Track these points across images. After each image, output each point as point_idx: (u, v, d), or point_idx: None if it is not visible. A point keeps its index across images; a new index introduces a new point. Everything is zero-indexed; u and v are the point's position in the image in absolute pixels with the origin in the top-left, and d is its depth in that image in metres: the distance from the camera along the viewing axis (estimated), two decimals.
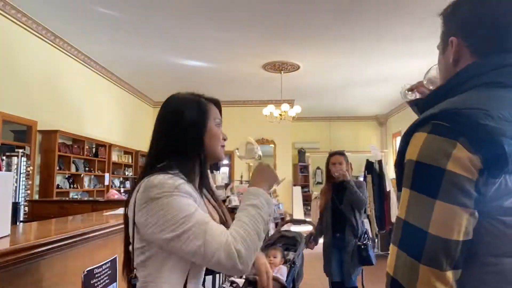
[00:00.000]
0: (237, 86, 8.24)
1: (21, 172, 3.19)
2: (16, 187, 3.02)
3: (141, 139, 9.19)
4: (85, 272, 1.24)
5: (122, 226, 1.49)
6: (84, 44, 5.93)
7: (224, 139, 1.11)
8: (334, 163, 3.04)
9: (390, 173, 7.85)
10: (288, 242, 3.33)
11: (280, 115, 7.27)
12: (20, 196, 3.30)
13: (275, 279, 2.69)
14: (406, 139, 0.70)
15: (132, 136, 8.53)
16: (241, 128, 9.47)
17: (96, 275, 1.30)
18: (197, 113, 1.04)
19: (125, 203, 1.02)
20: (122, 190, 7.32)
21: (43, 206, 3.84)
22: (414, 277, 0.62)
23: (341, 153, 3.06)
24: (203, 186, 1.09)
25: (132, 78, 7.85)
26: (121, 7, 4.68)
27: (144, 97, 9.32)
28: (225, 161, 9.67)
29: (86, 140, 6.37)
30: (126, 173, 8.11)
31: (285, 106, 7.13)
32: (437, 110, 0.67)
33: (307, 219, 5.04)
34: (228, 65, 6.84)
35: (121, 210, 1.85)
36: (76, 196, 5.89)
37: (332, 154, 3.13)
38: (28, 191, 4.24)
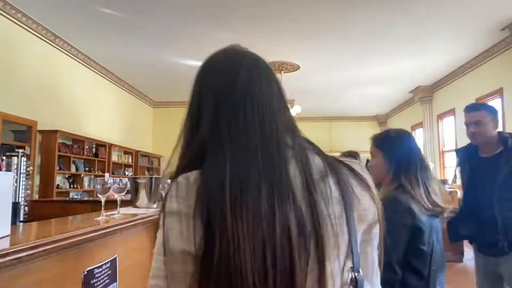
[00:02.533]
0: None
1: (21, 172, 3.19)
2: (16, 187, 3.02)
3: (141, 139, 9.19)
4: (85, 272, 1.24)
5: (122, 226, 1.49)
6: (84, 44, 5.93)
7: None
8: None
9: None
10: None
11: None
12: (20, 196, 3.29)
13: None
14: None
15: (132, 136, 8.53)
16: None
17: (96, 275, 1.30)
18: None
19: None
20: None
21: (43, 206, 3.85)
22: None
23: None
24: None
25: (132, 78, 7.85)
26: (121, 7, 4.68)
27: (144, 97, 9.32)
28: None
29: (86, 140, 6.38)
30: (126, 173, 8.11)
31: None
32: None
33: None
34: None
35: (122, 210, 1.84)
36: (76, 196, 5.90)
37: None
38: (28, 191, 4.23)
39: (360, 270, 0.58)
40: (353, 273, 0.57)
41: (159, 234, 0.56)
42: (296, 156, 0.60)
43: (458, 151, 2.41)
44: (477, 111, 2.14)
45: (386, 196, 1.48)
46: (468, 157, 2.26)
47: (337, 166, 0.63)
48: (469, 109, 2.20)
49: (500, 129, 2.15)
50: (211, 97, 0.65)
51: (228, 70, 0.67)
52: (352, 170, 0.64)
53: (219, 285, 0.50)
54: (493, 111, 2.13)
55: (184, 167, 0.61)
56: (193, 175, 0.58)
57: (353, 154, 2.97)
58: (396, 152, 1.54)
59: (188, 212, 0.54)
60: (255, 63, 0.69)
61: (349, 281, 0.57)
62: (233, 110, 0.62)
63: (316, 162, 0.62)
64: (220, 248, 0.50)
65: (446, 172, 7.99)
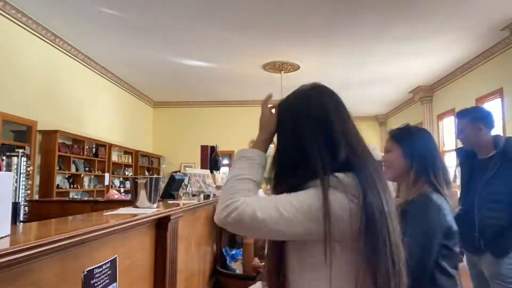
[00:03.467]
0: (237, 86, 8.24)
1: (21, 172, 3.18)
2: (16, 187, 3.01)
3: (141, 139, 9.19)
4: (85, 272, 1.24)
5: (122, 226, 1.48)
6: (84, 44, 5.93)
7: None
8: None
9: None
10: None
11: None
12: (20, 196, 3.29)
13: None
14: None
15: (132, 136, 8.53)
16: (241, 128, 9.48)
17: (96, 275, 1.30)
18: None
19: None
20: (122, 190, 7.32)
21: (43, 206, 3.83)
22: None
23: None
24: None
25: (132, 78, 7.85)
26: (121, 7, 4.68)
27: (144, 97, 9.32)
28: (225, 161, 9.66)
29: (86, 140, 6.38)
30: (126, 173, 8.11)
31: None
32: None
33: None
34: (228, 65, 6.84)
35: (121, 210, 1.85)
36: (76, 196, 5.89)
37: None
38: (28, 191, 4.22)
39: None
40: None
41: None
42: None
43: (458, 151, 2.47)
44: (460, 119, 2.20)
45: (418, 195, 1.38)
46: (467, 157, 2.32)
47: None
48: (457, 115, 2.27)
49: (500, 128, 2.20)
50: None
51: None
52: None
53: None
54: (475, 119, 2.12)
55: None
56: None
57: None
58: (416, 148, 1.46)
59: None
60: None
61: None
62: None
63: None
64: None
65: None
